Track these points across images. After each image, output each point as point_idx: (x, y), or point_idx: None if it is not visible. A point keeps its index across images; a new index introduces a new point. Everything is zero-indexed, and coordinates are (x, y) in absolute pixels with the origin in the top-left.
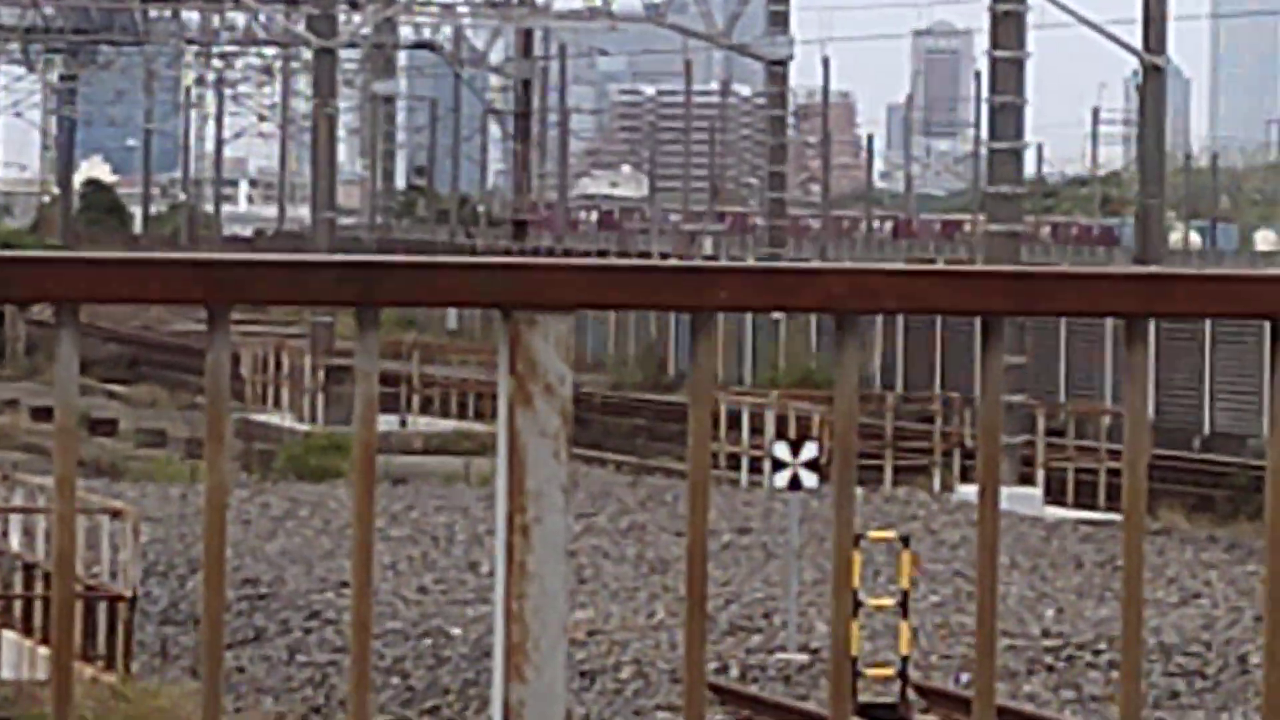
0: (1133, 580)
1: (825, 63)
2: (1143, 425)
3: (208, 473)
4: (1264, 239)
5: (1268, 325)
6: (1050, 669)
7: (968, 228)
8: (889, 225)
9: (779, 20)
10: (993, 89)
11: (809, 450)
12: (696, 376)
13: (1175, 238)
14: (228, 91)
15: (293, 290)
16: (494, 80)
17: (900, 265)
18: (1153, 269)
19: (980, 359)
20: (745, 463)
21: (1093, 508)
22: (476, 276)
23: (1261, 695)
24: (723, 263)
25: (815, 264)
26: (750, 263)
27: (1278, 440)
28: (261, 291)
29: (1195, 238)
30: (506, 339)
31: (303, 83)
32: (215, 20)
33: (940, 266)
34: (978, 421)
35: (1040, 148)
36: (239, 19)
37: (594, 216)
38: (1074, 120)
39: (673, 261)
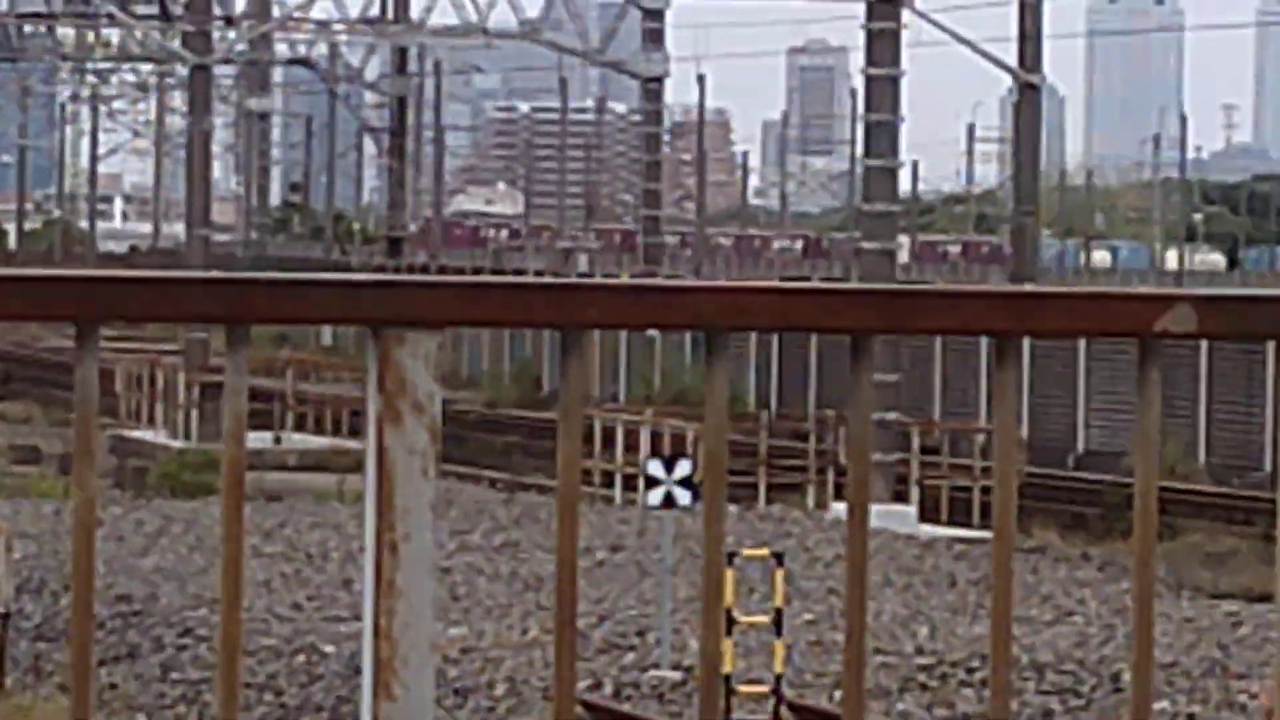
0: (1002, 598)
1: (701, 80)
2: (1012, 443)
3: (75, 489)
4: (1174, 258)
5: (1138, 343)
6: (924, 687)
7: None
8: (799, 244)
9: (654, 37)
10: (868, 106)
11: (683, 468)
12: (567, 394)
13: (1095, 256)
14: (103, 108)
15: (163, 307)
16: (369, 97)
17: (777, 284)
18: (1025, 287)
19: (851, 376)
20: (620, 480)
21: (967, 525)
22: (346, 294)
23: (1130, 713)
24: (593, 279)
25: (686, 281)
26: (621, 279)
27: (1145, 458)
28: (132, 308)
29: (1106, 256)
30: (375, 356)
31: (178, 99)
32: (90, 36)
33: (811, 284)
34: (848, 439)
35: (915, 165)
36: (114, 35)
37: (504, 234)
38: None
39: (543, 279)
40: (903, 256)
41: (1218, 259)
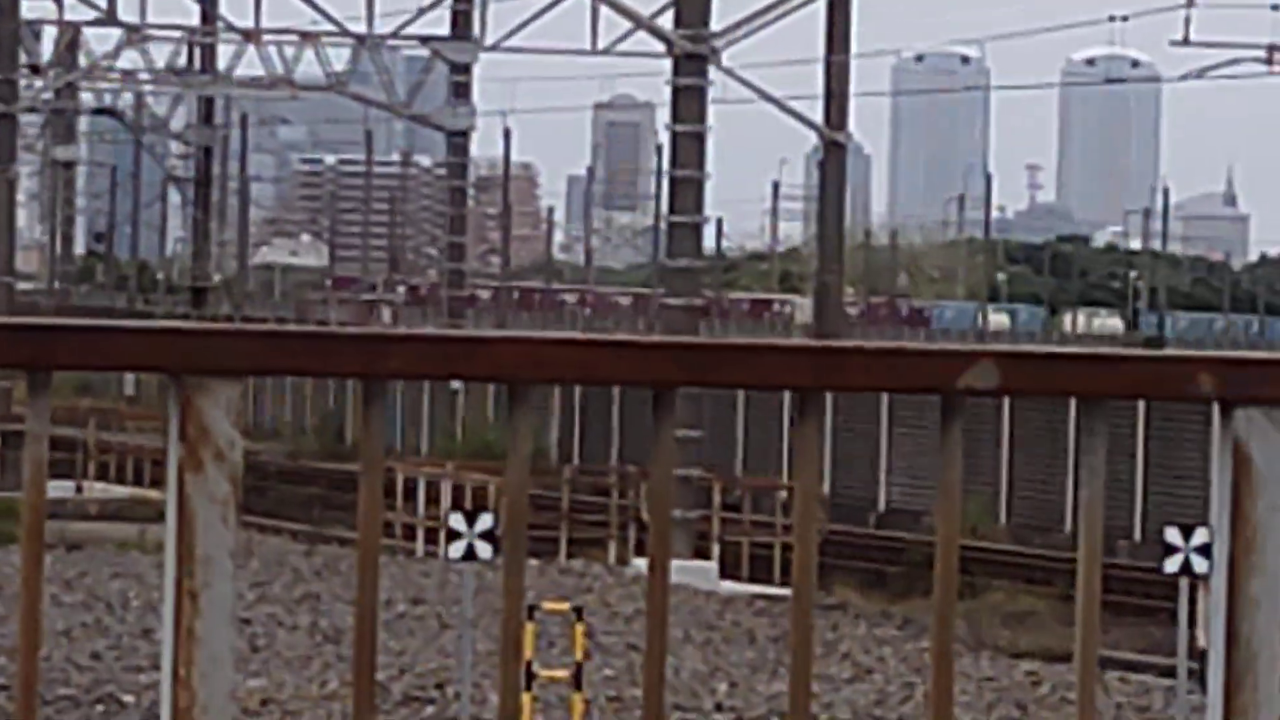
0: (801, 655)
1: (506, 134)
2: (812, 499)
3: None
4: (1070, 320)
5: (940, 399)
6: None
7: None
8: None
9: (460, 91)
10: (673, 162)
11: (485, 521)
12: (367, 445)
13: (990, 319)
14: None
15: None
16: (175, 147)
17: (576, 335)
18: (826, 342)
19: (652, 430)
20: (421, 533)
21: (768, 582)
22: (148, 341)
23: None
24: (396, 330)
25: (487, 332)
26: (423, 331)
27: (946, 515)
28: None
29: (1004, 319)
30: (177, 404)
31: None
32: None
33: (613, 336)
34: (649, 493)
35: (720, 222)
36: None
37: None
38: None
39: (345, 329)
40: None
41: (1116, 323)
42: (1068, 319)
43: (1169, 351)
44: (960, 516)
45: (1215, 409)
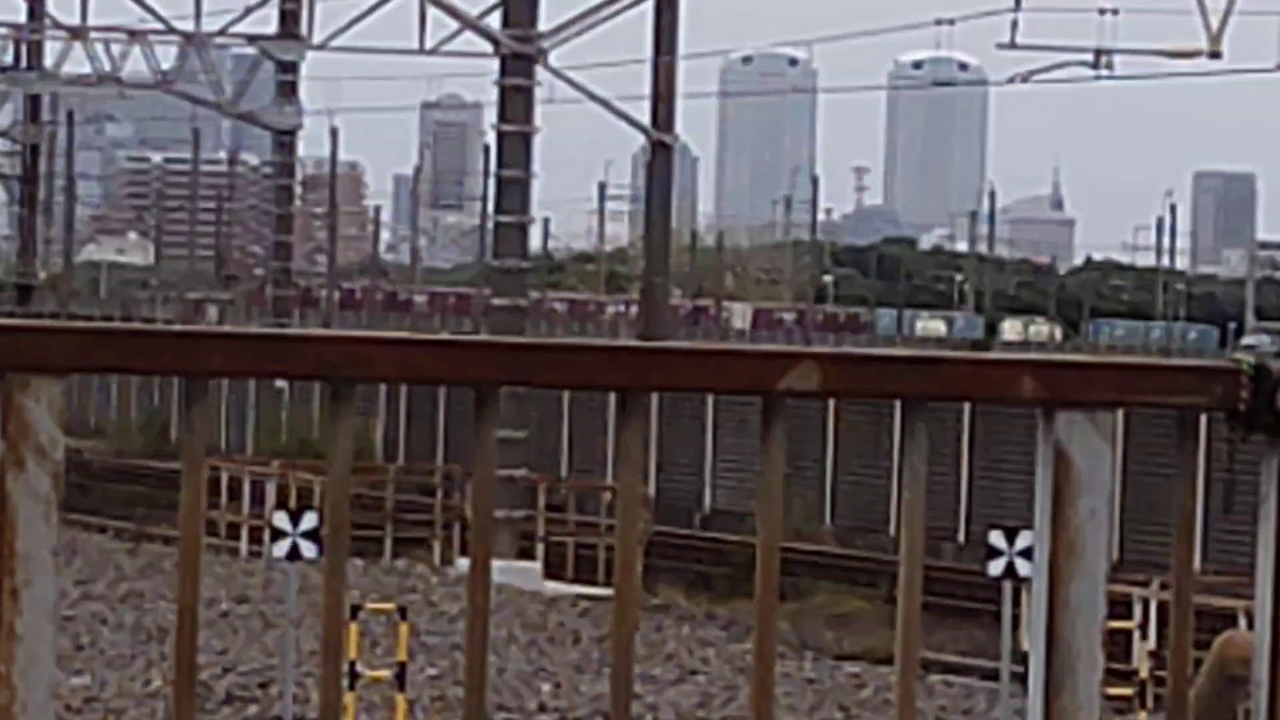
0: (623, 656)
1: (334, 133)
2: (635, 499)
3: None
4: (1010, 328)
5: (762, 401)
6: None
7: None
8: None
9: (287, 90)
10: (500, 163)
11: (309, 520)
12: (190, 443)
13: (921, 326)
14: None
15: None
16: (1, 144)
17: (400, 334)
18: (648, 343)
19: (475, 430)
20: (245, 532)
21: (592, 583)
22: None
23: None
24: (219, 328)
25: (311, 331)
26: (247, 329)
27: (768, 517)
28: None
29: (940, 327)
30: None
31: None
32: None
33: (435, 336)
34: (471, 492)
35: (547, 222)
36: None
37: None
38: (582, 196)
39: (168, 326)
40: (739, 322)
41: (1044, 330)
42: (1006, 327)
43: (992, 354)
44: (782, 518)
45: (1038, 412)
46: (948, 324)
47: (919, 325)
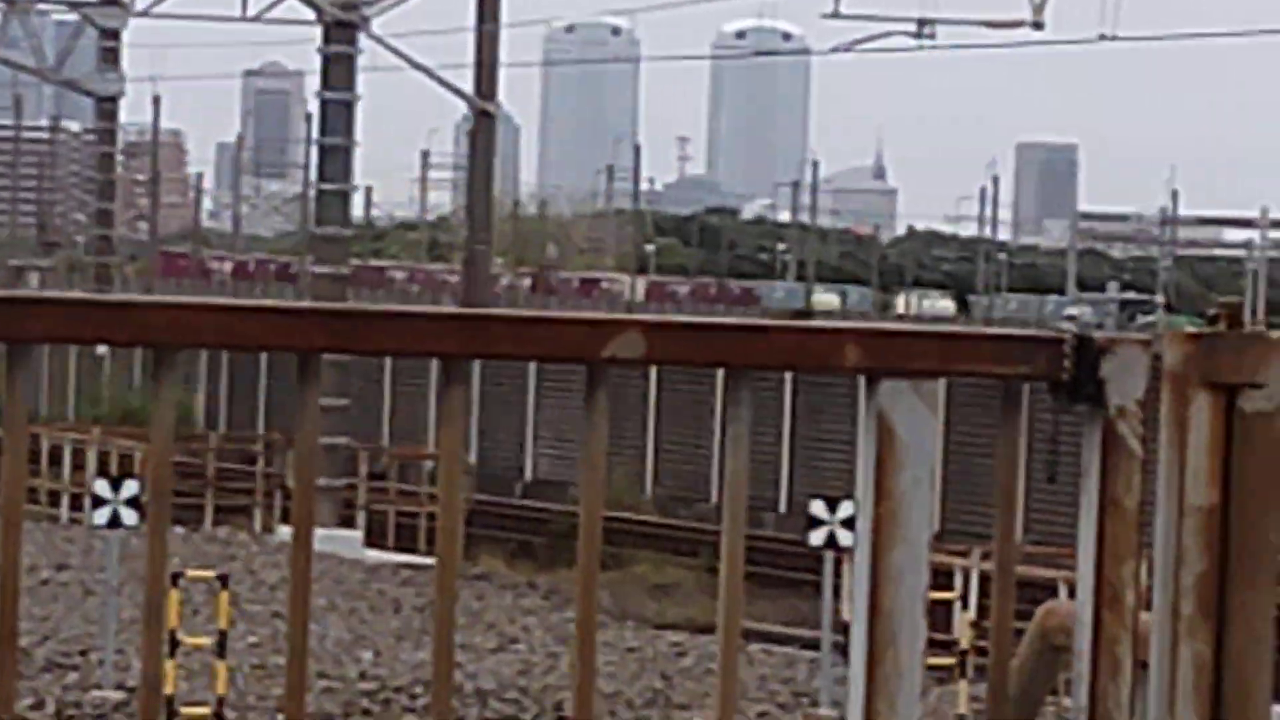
0: (444, 624)
1: (156, 100)
2: (456, 467)
3: None
4: (904, 302)
5: (586, 369)
6: (367, 712)
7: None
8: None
9: (110, 57)
10: (322, 130)
11: (130, 487)
12: (11, 409)
13: (818, 299)
14: None
15: None
16: None
17: (221, 300)
18: (472, 310)
19: (298, 397)
20: (66, 499)
21: (413, 551)
22: None
23: None
24: (40, 294)
25: (131, 297)
26: (69, 294)
27: (590, 485)
28: None
29: (834, 299)
30: None
31: None
32: None
33: (260, 302)
34: (292, 459)
35: (369, 190)
36: None
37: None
38: (405, 164)
39: None
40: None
41: (948, 304)
42: (900, 300)
43: (816, 323)
44: (605, 487)
45: (861, 381)
46: (842, 296)
47: (815, 298)
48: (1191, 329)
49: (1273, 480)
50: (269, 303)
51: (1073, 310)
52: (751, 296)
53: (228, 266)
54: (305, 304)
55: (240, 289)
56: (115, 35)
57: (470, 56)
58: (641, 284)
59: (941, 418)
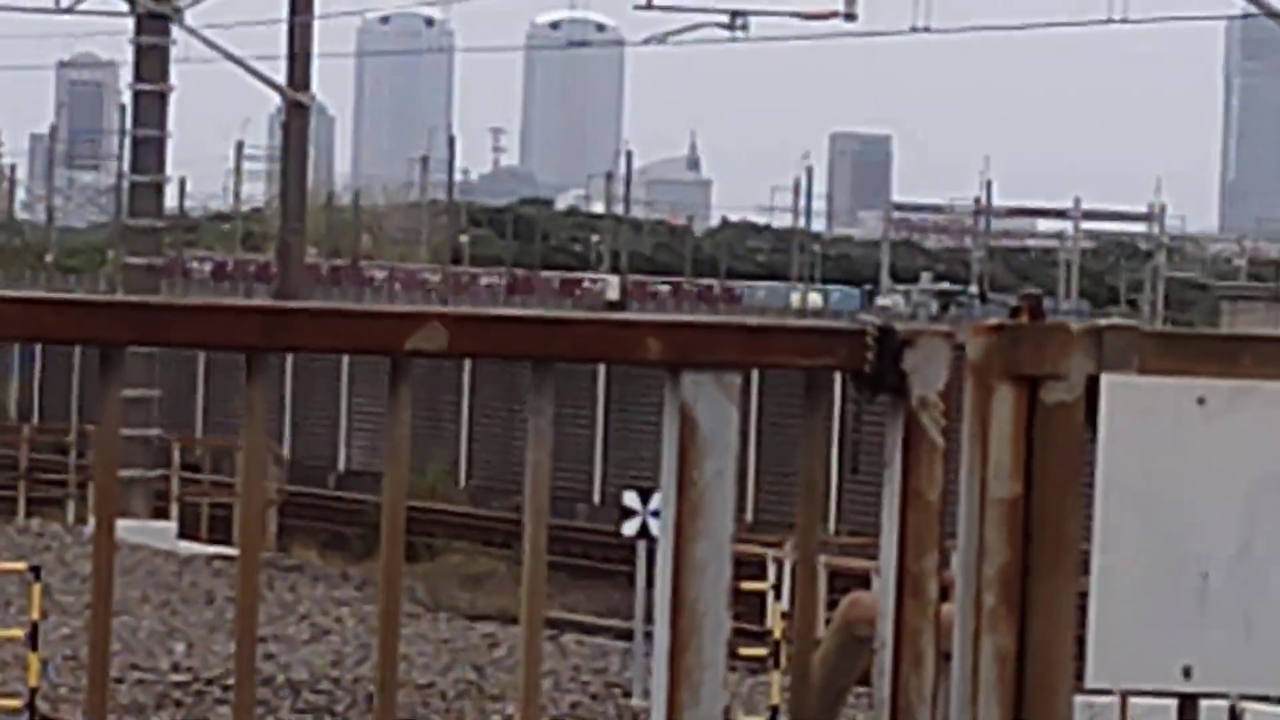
0: (248, 615)
1: None
2: (261, 458)
3: None
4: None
5: (390, 361)
6: (179, 704)
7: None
8: (208, 266)
9: None
10: (135, 122)
11: None
12: None
13: (795, 298)
14: None
15: None
16: None
17: (24, 293)
18: (263, 302)
19: (100, 390)
20: None
21: (226, 543)
22: None
23: None
24: None
25: None
26: None
27: (394, 476)
28: None
29: (818, 299)
30: None
31: None
32: None
33: (63, 295)
34: (95, 452)
35: (183, 182)
36: None
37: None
38: (218, 155)
39: None
40: (611, 294)
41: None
42: (885, 299)
43: (620, 315)
44: (408, 478)
45: (666, 373)
46: (825, 296)
47: (793, 297)
48: (993, 321)
49: (1074, 471)
50: (72, 296)
51: (885, 300)
52: (733, 297)
53: (208, 267)
54: (108, 297)
55: (222, 289)
56: None
57: (284, 48)
58: (616, 282)
59: (755, 410)
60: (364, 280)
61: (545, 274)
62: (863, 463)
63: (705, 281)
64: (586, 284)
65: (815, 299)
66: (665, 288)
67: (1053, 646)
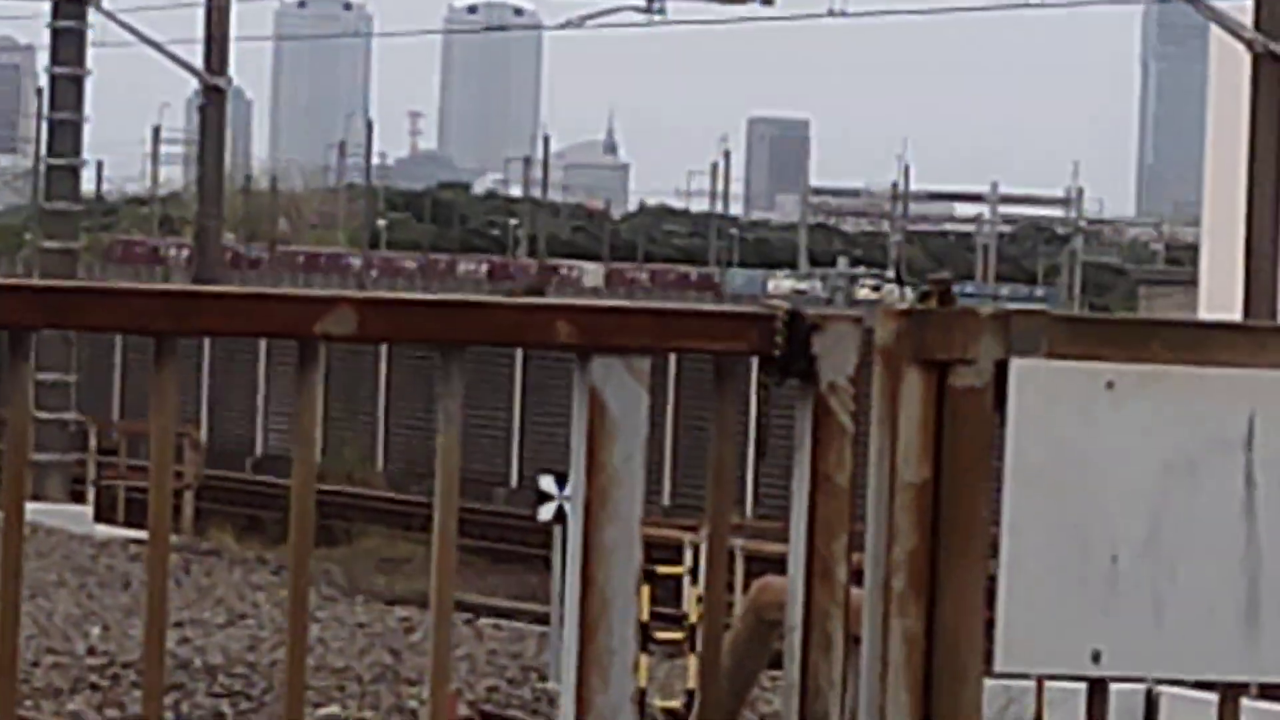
0: (157, 598)
1: None
2: (169, 444)
3: None
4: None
5: (298, 345)
6: (94, 687)
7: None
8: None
9: None
10: (52, 105)
11: None
12: None
13: (773, 285)
14: None
15: None
16: None
17: None
18: (186, 287)
19: (8, 375)
20: None
21: (143, 526)
22: None
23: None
24: None
25: None
26: None
27: (303, 460)
28: None
29: (790, 285)
30: None
31: None
32: None
33: None
34: (4, 438)
35: (100, 165)
36: None
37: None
38: (136, 139)
39: None
40: (590, 281)
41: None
42: (861, 290)
43: (532, 300)
44: (316, 462)
45: (575, 358)
46: (808, 283)
47: (770, 285)
48: (901, 305)
49: (982, 455)
50: None
51: (802, 285)
52: (711, 283)
53: (185, 253)
54: (19, 280)
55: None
56: None
57: (201, 31)
58: (596, 270)
59: (672, 396)
60: (293, 265)
61: (525, 261)
62: (772, 448)
63: (684, 269)
64: (564, 271)
65: (788, 285)
66: (644, 275)
67: (962, 630)
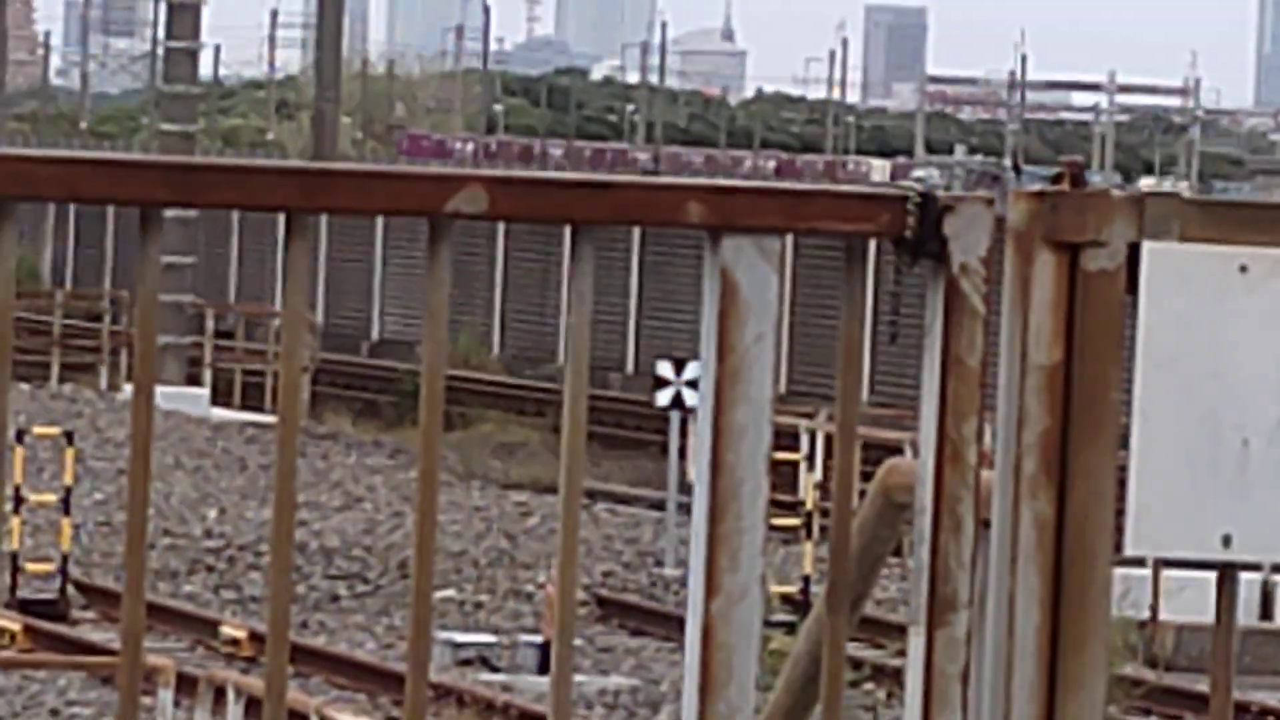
0: (285, 481)
1: None
2: (299, 324)
3: None
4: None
5: (429, 223)
6: (210, 569)
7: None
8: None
9: None
10: None
11: None
12: None
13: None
14: None
15: None
16: None
17: (61, 152)
18: (315, 164)
19: (140, 251)
20: None
21: (259, 410)
22: None
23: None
24: None
25: None
26: None
27: (434, 338)
28: None
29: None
30: None
31: None
32: None
33: (101, 155)
34: (135, 316)
35: (218, 49)
36: None
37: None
38: (253, 22)
39: None
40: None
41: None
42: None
43: (660, 179)
44: (447, 343)
45: (705, 237)
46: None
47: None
48: (1035, 187)
49: (1114, 338)
50: (110, 155)
51: (920, 173)
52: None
53: (470, 147)
54: (146, 157)
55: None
56: None
57: None
58: (887, 167)
59: (788, 280)
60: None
61: (808, 157)
62: (900, 333)
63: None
64: (850, 167)
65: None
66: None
67: (1092, 515)
